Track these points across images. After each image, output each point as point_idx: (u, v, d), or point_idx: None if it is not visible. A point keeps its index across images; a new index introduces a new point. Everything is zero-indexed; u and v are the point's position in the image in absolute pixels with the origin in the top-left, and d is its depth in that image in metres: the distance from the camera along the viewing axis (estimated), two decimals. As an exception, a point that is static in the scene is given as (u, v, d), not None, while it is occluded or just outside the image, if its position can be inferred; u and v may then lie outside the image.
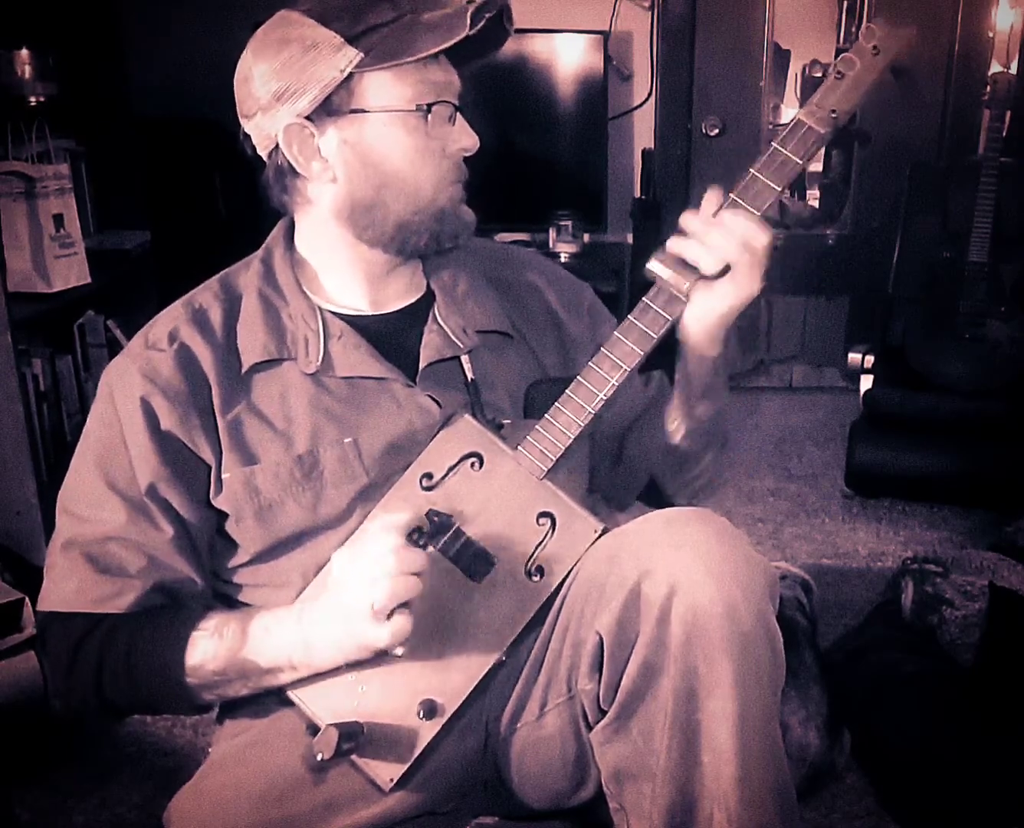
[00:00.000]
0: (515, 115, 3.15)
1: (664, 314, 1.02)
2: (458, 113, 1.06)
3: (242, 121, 1.07)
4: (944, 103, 3.40)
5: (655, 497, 1.23)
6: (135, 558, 1.04)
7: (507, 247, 1.33)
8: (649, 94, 3.46)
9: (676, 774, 0.91)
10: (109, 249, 2.64)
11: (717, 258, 0.99)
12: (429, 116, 1.03)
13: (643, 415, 1.22)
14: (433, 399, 1.09)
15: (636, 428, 1.22)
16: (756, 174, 1.00)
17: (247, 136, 1.08)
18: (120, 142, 2.78)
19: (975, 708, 1.70)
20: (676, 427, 1.15)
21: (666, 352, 1.07)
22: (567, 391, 1.04)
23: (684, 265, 1.00)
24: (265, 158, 1.08)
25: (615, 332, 1.04)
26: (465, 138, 1.06)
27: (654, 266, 1.01)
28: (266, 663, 1.00)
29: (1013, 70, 3.34)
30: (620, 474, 1.24)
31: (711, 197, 1.02)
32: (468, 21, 0.98)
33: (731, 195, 1.01)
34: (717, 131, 3.44)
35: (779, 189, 1.00)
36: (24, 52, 2.35)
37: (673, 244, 1.01)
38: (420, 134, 1.03)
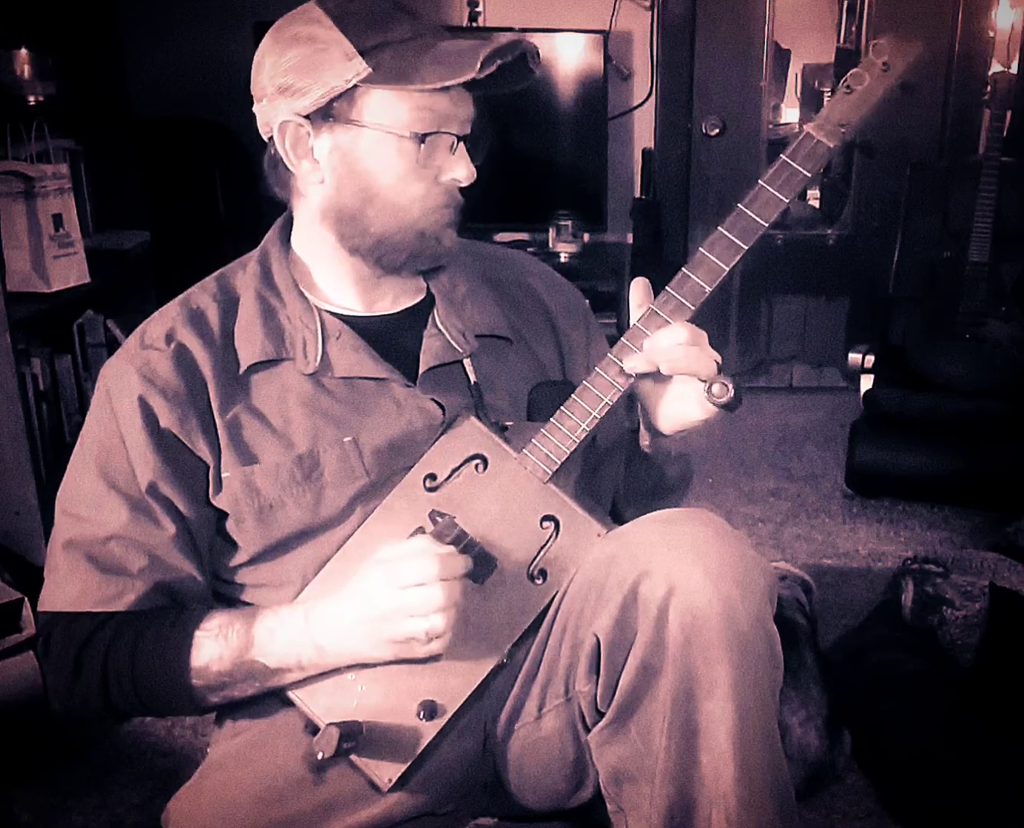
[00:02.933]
0: (515, 115, 3.14)
1: (671, 321, 1.02)
2: (461, 144, 1.05)
3: (254, 99, 1.08)
4: (944, 103, 3.40)
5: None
6: (137, 557, 1.04)
7: (505, 250, 1.33)
8: (649, 94, 3.47)
9: (675, 775, 0.91)
10: (108, 249, 2.64)
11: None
12: (422, 145, 1.02)
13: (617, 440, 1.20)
14: (436, 402, 1.09)
15: (608, 452, 1.20)
16: (764, 186, 1.01)
17: (253, 115, 1.09)
18: (120, 142, 2.78)
19: (975, 708, 1.70)
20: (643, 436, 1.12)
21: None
22: (573, 396, 1.03)
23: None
24: (266, 141, 1.09)
25: (623, 339, 1.04)
26: (460, 169, 1.05)
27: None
28: (274, 664, 1.00)
29: (1013, 70, 3.34)
30: (595, 485, 1.21)
31: (638, 289, 1.03)
32: (479, 64, 0.98)
33: (739, 206, 1.02)
34: (717, 131, 3.44)
35: (787, 201, 1.01)
36: (24, 52, 2.36)
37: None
38: (411, 159, 1.03)
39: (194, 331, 1.08)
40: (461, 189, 1.08)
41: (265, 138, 1.09)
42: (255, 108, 1.08)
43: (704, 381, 0.98)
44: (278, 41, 1.04)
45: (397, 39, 1.01)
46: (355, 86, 1.00)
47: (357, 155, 1.04)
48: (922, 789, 1.61)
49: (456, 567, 0.95)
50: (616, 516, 1.22)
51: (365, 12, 1.02)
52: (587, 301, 1.30)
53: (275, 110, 1.04)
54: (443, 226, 1.07)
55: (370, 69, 1.00)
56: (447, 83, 0.99)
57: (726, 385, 0.97)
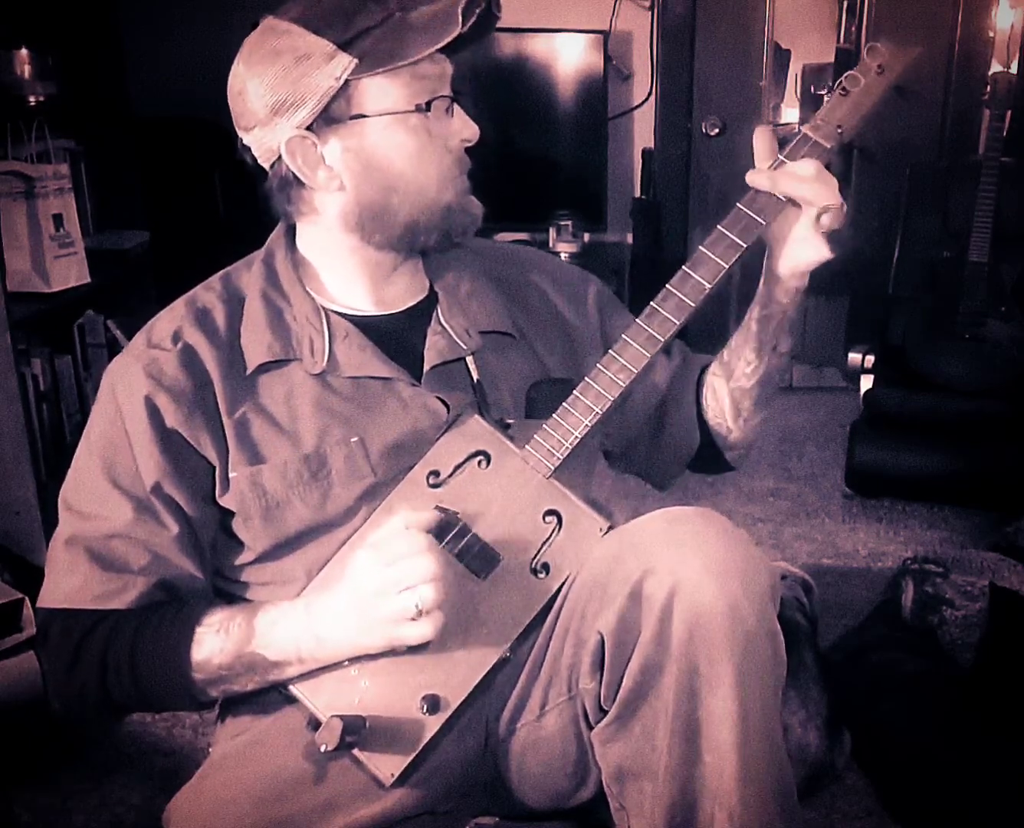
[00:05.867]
0: (515, 115, 3.15)
1: (672, 319, 1.03)
2: (455, 104, 1.06)
3: (240, 133, 1.07)
4: (944, 103, 3.40)
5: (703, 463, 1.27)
6: (139, 555, 1.04)
7: (510, 246, 1.34)
8: (649, 94, 3.46)
9: (677, 773, 0.91)
10: (108, 249, 2.64)
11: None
12: (429, 114, 1.03)
13: (675, 384, 1.23)
14: (441, 400, 1.09)
15: (673, 398, 1.23)
16: None
17: (246, 147, 1.08)
18: (120, 142, 2.78)
19: (975, 708, 1.70)
20: (753, 370, 1.16)
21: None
22: (575, 391, 1.04)
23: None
24: (267, 169, 1.07)
25: (623, 335, 1.04)
26: (465, 129, 1.06)
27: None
28: (274, 656, 1.00)
29: (1013, 70, 3.34)
30: (664, 447, 1.25)
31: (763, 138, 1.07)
32: (460, 18, 0.98)
33: (738, 205, 1.04)
34: (717, 131, 3.44)
35: (785, 201, 1.03)
36: (24, 52, 2.35)
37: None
38: (422, 133, 1.03)
39: (201, 331, 1.08)
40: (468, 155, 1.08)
41: (265, 165, 1.07)
42: (247, 140, 1.06)
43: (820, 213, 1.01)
44: (254, 64, 1.02)
45: (372, 24, 1.00)
46: (347, 82, 1.00)
47: (369, 149, 1.04)
48: (922, 789, 1.61)
49: (428, 522, 0.95)
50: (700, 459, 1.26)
51: (331, 9, 1.01)
52: (598, 281, 1.29)
53: (274, 132, 1.03)
54: (464, 193, 1.08)
55: (356, 60, 0.99)
56: (438, 46, 0.99)
57: (835, 213, 1.01)
